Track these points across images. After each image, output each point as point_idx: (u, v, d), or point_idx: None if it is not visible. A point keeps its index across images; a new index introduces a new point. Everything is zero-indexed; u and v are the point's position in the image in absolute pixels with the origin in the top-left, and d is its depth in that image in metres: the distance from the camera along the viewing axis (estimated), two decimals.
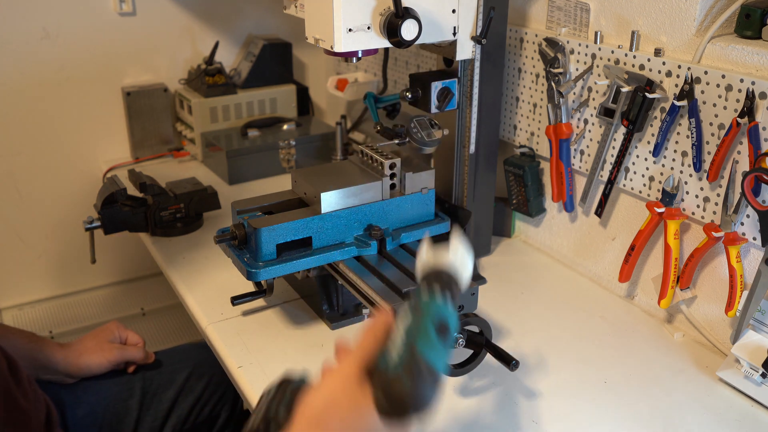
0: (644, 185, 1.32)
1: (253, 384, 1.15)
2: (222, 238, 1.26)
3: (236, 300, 1.29)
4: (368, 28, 1.17)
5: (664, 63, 1.23)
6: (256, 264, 1.21)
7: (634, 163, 1.33)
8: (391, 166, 1.30)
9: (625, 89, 1.28)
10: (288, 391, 0.77)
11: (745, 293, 1.16)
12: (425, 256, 0.82)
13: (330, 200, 1.25)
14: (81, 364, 1.31)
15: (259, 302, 1.35)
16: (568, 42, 1.39)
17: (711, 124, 1.18)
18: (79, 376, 1.32)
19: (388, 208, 1.30)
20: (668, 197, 1.25)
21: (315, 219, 1.24)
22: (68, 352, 1.31)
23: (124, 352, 1.37)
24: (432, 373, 0.70)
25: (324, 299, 1.31)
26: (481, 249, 1.54)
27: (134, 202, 1.59)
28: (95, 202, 1.56)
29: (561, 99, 1.41)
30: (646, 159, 1.30)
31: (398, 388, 0.69)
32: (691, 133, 1.19)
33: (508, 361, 1.04)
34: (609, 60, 1.32)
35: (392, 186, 1.31)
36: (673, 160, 1.25)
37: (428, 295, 0.76)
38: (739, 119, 1.11)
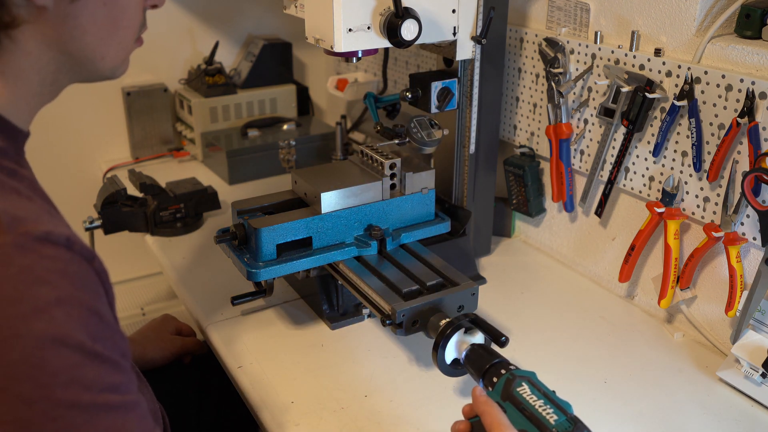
0: (644, 185, 1.32)
1: (253, 384, 1.15)
2: (222, 238, 1.26)
3: (236, 300, 1.29)
4: (368, 28, 1.17)
5: (664, 63, 1.23)
6: (256, 264, 1.21)
7: (634, 163, 1.33)
8: (391, 166, 1.30)
9: (625, 89, 1.28)
10: None
11: (745, 293, 1.16)
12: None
13: (330, 200, 1.25)
14: (146, 358, 1.31)
15: (259, 302, 1.35)
16: (568, 42, 1.39)
17: (711, 124, 1.18)
18: (142, 369, 1.30)
19: (388, 208, 1.30)
20: (668, 197, 1.25)
21: (315, 219, 1.24)
22: (133, 346, 1.30)
23: (185, 345, 1.37)
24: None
25: (324, 299, 1.31)
26: (481, 249, 1.54)
27: (134, 202, 1.59)
28: (95, 202, 1.56)
29: (561, 99, 1.41)
30: (646, 159, 1.30)
31: None
32: (691, 133, 1.19)
33: (497, 337, 1.04)
34: (609, 60, 1.32)
35: (392, 186, 1.31)
36: (673, 160, 1.25)
37: (507, 383, 0.89)
38: (739, 119, 1.11)
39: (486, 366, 0.96)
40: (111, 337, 0.70)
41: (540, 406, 0.83)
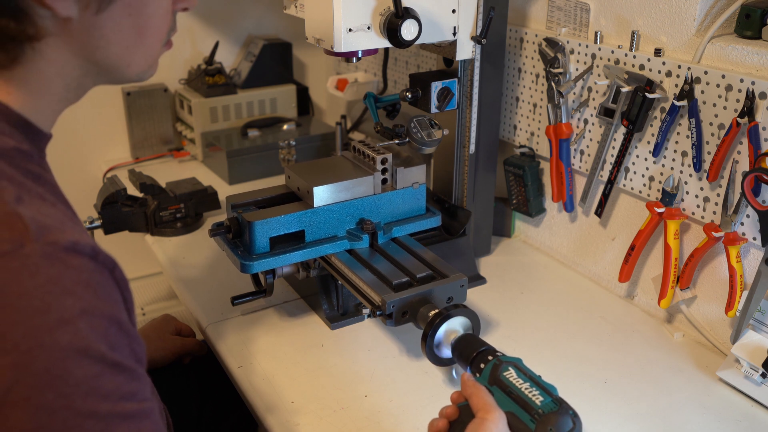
0: (644, 185, 1.32)
1: (253, 384, 1.15)
2: (216, 232, 1.27)
3: (236, 300, 1.29)
4: (368, 28, 1.17)
5: (664, 63, 1.23)
6: (250, 257, 1.21)
7: (634, 163, 1.33)
8: (383, 161, 1.31)
9: (625, 89, 1.28)
10: None
11: (745, 293, 1.16)
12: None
13: (322, 194, 1.26)
14: (147, 358, 1.31)
15: (259, 302, 1.35)
16: (568, 42, 1.39)
17: (711, 124, 1.18)
18: None
19: (379, 202, 1.31)
20: (668, 197, 1.25)
21: (308, 213, 1.25)
22: None
23: (185, 345, 1.37)
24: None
25: (324, 299, 1.31)
26: (481, 249, 1.54)
27: (134, 202, 1.59)
28: (95, 202, 1.56)
29: (561, 99, 1.41)
30: (646, 159, 1.30)
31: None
32: (691, 133, 1.19)
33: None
34: (609, 60, 1.32)
35: (384, 181, 1.32)
36: (673, 160, 1.25)
37: (494, 369, 0.91)
38: (739, 119, 1.11)
39: (473, 353, 0.98)
40: (129, 344, 0.71)
41: (526, 389, 0.85)
